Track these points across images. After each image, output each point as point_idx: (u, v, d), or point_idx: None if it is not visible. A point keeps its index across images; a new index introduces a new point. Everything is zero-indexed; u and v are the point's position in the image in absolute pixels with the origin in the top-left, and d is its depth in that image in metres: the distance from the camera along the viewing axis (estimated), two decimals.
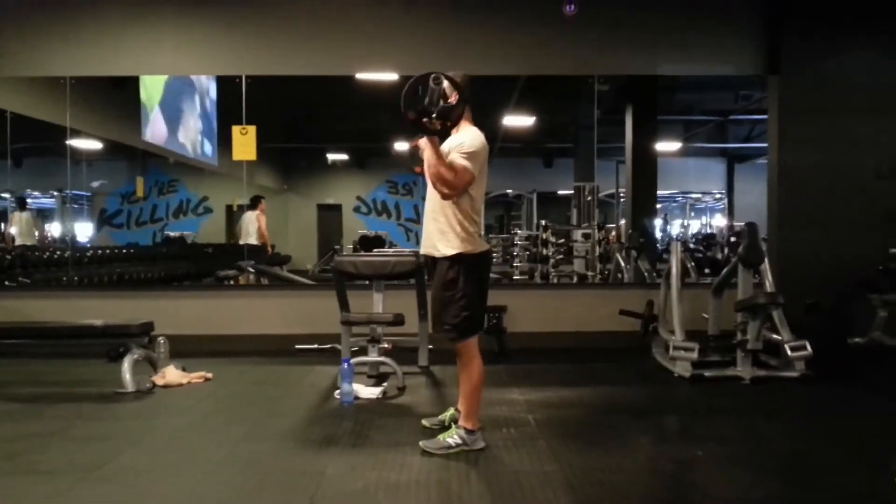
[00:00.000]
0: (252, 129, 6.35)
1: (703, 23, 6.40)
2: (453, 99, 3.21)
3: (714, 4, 6.40)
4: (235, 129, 6.37)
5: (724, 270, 5.57)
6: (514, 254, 8.71)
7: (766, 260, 5.33)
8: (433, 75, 3.08)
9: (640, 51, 6.41)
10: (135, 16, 6.27)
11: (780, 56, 6.26)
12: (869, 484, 3.05)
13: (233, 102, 6.52)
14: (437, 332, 3.41)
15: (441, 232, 3.29)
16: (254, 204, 8.88)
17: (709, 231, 14.13)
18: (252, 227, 8.77)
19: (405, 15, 6.33)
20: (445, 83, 3.16)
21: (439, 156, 3.19)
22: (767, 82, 6.52)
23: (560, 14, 6.10)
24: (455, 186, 3.22)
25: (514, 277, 8.33)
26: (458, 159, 3.23)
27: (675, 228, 14.85)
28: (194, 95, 9.27)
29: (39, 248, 8.25)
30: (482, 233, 3.46)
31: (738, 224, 11.76)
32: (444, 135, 3.22)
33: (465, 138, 3.29)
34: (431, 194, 3.37)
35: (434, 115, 3.08)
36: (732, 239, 5.54)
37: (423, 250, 3.46)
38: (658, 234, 11.05)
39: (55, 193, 10.65)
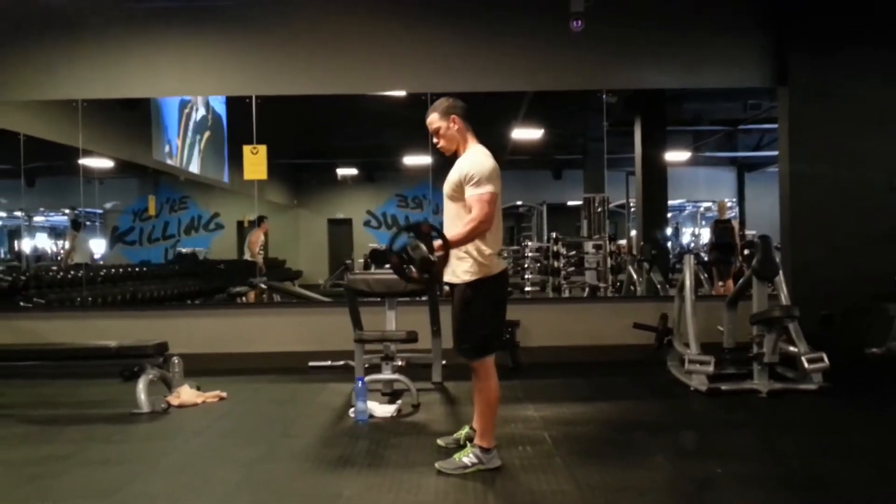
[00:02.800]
0: (263, 149, 6.38)
1: (711, 36, 6.40)
2: (437, 252, 3.13)
3: (722, 17, 6.40)
4: (246, 149, 6.40)
5: (739, 282, 5.54)
6: (525, 266, 8.69)
7: (781, 272, 5.29)
8: (411, 238, 3.09)
9: (648, 65, 6.42)
10: (145, 39, 6.34)
11: (789, 68, 6.25)
12: (891, 502, 3.01)
13: (243, 120, 6.56)
14: (457, 352, 3.40)
15: (459, 258, 3.28)
16: (258, 222, 9.00)
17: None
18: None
19: (413, 34, 6.36)
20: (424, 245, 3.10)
21: (458, 242, 3.18)
22: (777, 94, 6.50)
23: (568, 30, 6.11)
24: (485, 221, 3.19)
25: (526, 289, 8.31)
26: (474, 192, 3.20)
27: (685, 238, 14.79)
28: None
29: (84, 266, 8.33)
30: (501, 248, 3.43)
31: (750, 233, 11.72)
32: (429, 281, 3.27)
33: (471, 168, 3.24)
34: (447, 223, 3.37)
35: (415, 267, 3.11)
36: (745, 251, 5.49)
37: (445, 278, 3.43)
38: (668, 245, 11.01)
39: (67, 211, 10.74)
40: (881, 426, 4.24)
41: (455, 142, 3.42)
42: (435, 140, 3.46)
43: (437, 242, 3.13)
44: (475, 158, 3.30)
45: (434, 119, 3.42)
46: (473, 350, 3.33)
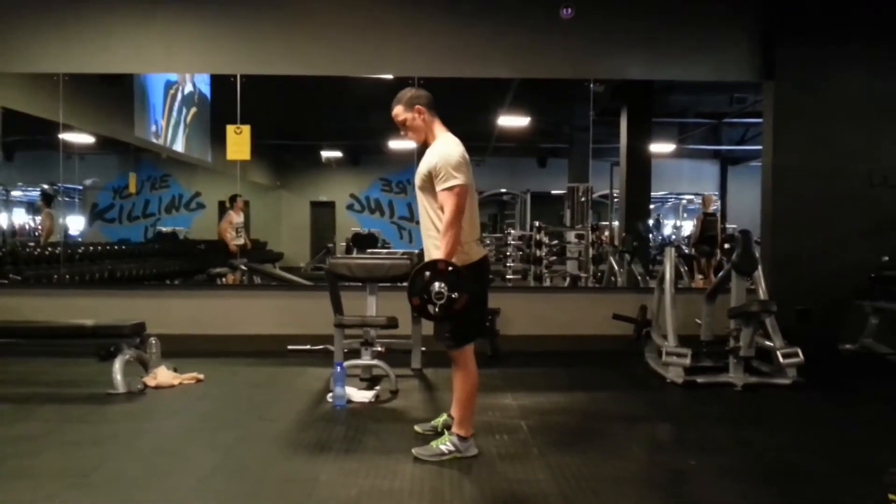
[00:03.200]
0: (246, 129, 6.31)
1: (699, 29, 6.41)
2: (456, 295, 3.12)
3: (710, 11, 6.41)
4: (230, 129, 6.33)
5: (718, 276, 5.58)
6: (507, 254, 8.71)
7: (760, 267, 5.34)
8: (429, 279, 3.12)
9: (636, 56, 6.42)
10: (129, 14, 6.24)
11: (775, 63, 6.28)
12: (861, 494, 3.07)
13: (226, 100, 6.48)
14: (438, 340, 3.41)
15: (437, 247, 3.27)
16: (230, 202, 8.68)
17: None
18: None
19: (401, 17, 6.31)
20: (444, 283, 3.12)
21: (449, 252, 3.16)
22: (762, 88, 6.53)
23: (557, 18, 6.10)
24: (458, 215, 3.17)
25: (508, 277, 8.34)
26: (442, 187, 3.19)
27: (667, 229, 14.88)
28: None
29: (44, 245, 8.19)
30: (479, 236, 3.44)
31: (731, 226, 11.82)
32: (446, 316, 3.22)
33: (438, 160, 3.22)
34: (422, 212, 3.37)
35: (437, 308, 3.15)
36: (726, 245, 5.53)
37: None
38: (650, 237, 11.08)
39: (45, 186, 10.58)
40: (853, 420, 4.31)
41: (422, 132, 3.40)
42: (402, 132, 3.44)
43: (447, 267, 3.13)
44: (442, 150, 3.28)
45: (399, 111, 3.40)
46: (454, 338, 3.33)
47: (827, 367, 5.56)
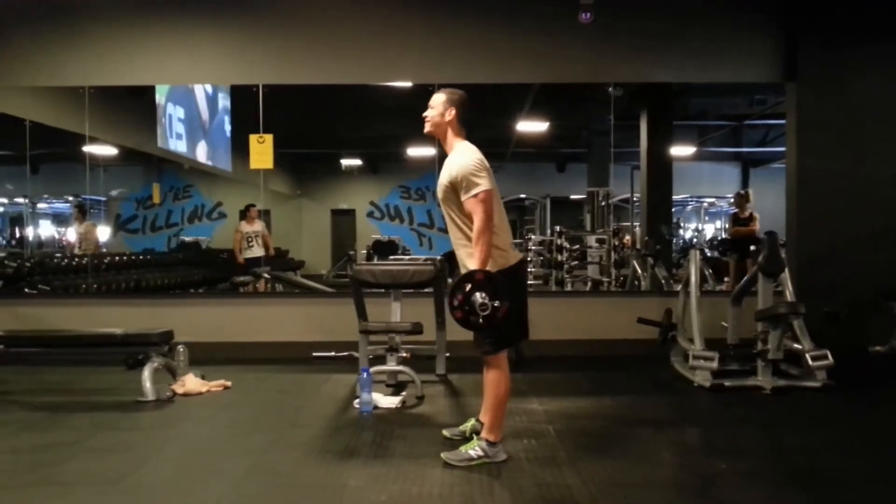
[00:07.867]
0: (269, 139, 6.37)
1: (720, 31, 6.37)
2: (498, 303, 3.11)
3: (731, 12, 6.37)
4: (253, 139, 6.39)
5: (744, 279, 5.53)
6: (528, 259, 8.71)
7: (786, 268, 5.29)
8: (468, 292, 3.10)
9: (657, 59, 6.39)
10: (153, 26, 6.32)
11: (798, 64, 6.22)
12: (894, 499, 3.02)
13: (247, 109, 6.54)
14: (476, 345, 3.39)
15: (470, 255, 3.26)
16: (243, 213, 8.73)
17: (724, 236, 14.04)
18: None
19: (421, 25, 6.33)
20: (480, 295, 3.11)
21: (483, 260, 3.15)
22: (785, 89, 6.48)
23: (576, 23, 6.09)
24: (488, 220, 3.18)
25: (529, 282, 8.32)
26: (468, 196, 3.20)
27: (688, 233, 14.79)
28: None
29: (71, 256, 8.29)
30: (512, 240, 3.43)
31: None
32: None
33: (459, 170, 3.23)
34: (449, 223, 3.38)
35: (481, 320, 3.12)
36: (752, 248, 5.48)
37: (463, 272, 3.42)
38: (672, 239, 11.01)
39: (70, 198, 10.76)
40: (884, 424, 4.25)
41: (440, 129, 3.41)
42: (425, 115, 3.45)
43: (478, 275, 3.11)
44: (460, 159, 3.28)
45: (436, 101, 3.42)
46: (493, 343, 3.32)
47: (857, 370, 5.47)
